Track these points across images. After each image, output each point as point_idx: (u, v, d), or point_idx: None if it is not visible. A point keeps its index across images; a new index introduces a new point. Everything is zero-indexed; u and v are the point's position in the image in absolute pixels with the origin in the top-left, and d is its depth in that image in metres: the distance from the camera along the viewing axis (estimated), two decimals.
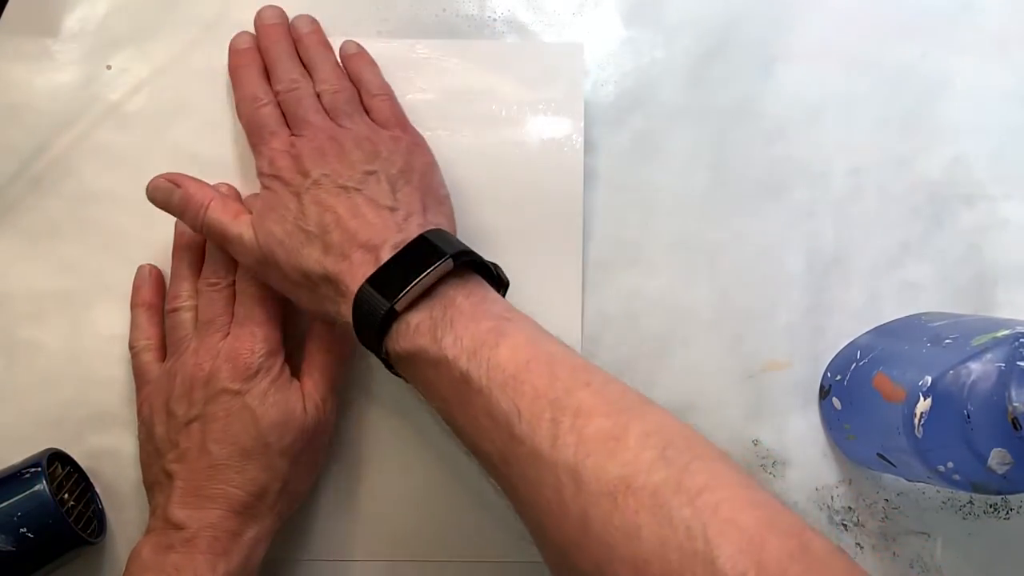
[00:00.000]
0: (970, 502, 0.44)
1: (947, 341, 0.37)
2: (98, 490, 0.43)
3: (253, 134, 0.42)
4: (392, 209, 0.37)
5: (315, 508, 0.43)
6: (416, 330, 0.34)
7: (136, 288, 0.43)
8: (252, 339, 0.39)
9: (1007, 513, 0.44)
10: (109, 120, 0.45)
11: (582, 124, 0.44)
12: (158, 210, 0.41)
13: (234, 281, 0.41)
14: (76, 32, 0.46)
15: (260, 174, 0.40)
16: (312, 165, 0.38)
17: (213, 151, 0.45)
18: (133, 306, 0.43)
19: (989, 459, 0.34)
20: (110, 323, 0.43)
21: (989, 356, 0.34)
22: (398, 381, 0.38)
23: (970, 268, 0.46)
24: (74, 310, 0.44)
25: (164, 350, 0.42)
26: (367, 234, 0.36)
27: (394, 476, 0.43)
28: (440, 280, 0.35)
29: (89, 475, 0.43)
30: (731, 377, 0.45)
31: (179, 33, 0.46)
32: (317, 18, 0.46)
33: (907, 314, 0.45)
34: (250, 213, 0.40)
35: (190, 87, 0.46)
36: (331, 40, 0.45)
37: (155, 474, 0.39)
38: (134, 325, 0.43)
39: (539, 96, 0.45)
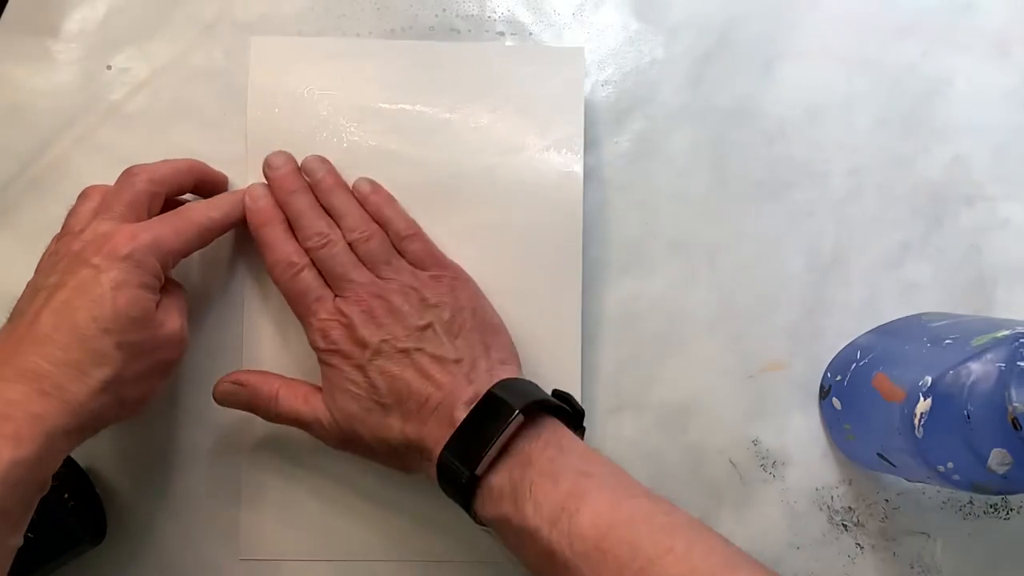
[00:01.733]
0: (970, 502, 0.44)
1: (947, 341, 0.37)
2: (98, 490, 0.43)
3: (296, 303, 0.40)
4: (456, 361, 0.38)
5: (310, 508, 0.43)
6: (499, 496, 0.35)
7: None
8: (141, 233, 0.36)
9: (1007, 513, 0.44)
10: (109, 120, 0.45)
11: (582, 127, 0.44)
12: None
13: (156, 183, 0.39)
14: (76, 32, 0.46)
15: (315, 348, 0.39)
16: (368, 333, 0.38)
17: (213, 151, 0.45)
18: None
19: (989, 459, 0.34)
20: None
21: (989, 356, 0.34)
22: None
23: (970, 268, 0.46)
24: None
25: None
26: (439, 395, 0.37)
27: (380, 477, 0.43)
28: (516, 433, 0.35)
29: (89, 475, 0.43)
30: (731, 377, 0.45)
31: (179, 33, 0.46)
32: (315, 18, 0.46)
33: (907, 314, 0.45)
34: (318, 390, 0.39)
35: (190, 87, 0.45)
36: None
37: None
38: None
39: (540, 99, 0.45)
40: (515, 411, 0.35)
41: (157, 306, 0.37)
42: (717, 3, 0.47)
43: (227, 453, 0.43)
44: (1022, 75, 0.47)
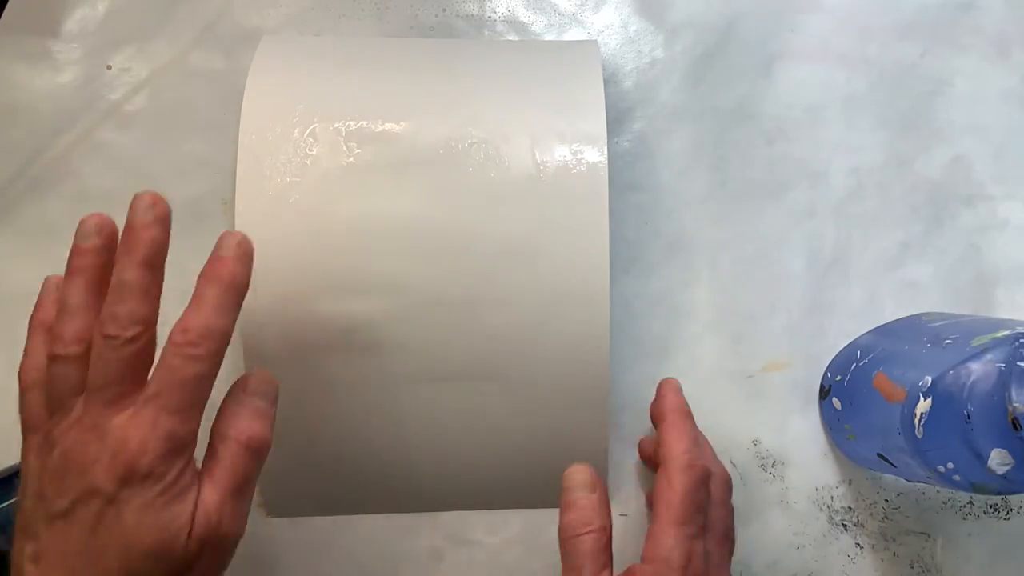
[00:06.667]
0: (970, 502, 0.44)
1: (947, 341, 0.37)
2: None
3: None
4: None
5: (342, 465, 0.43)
6: None
7: (38, 300, 0.35)
8: (151, 429, 0.30)
9: (1007, 513, 0.44)
10: (109, 120, 0.45)
11: (604, 120, 0.41)
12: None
13: (145, 334, 0.30)
14: (76, 32, 0.46)
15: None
16: None
17: (213, 151, 0.45)
18: (29, 324, 0.34)
19: (989, 459, 0.34)
20: None
21: (989, 356, 0.34)
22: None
23: (970, 268, 0.46)
24: None
25: None
26: None
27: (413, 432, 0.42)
28: None
29: None
30: (731, 377, 0.45)
31: (179, 33, 0.46)
32: (315, 18, 0.46)
33: (907, 314, 0.45)
34: None
35: (190, 87, 0.46)
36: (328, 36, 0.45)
37: (17, 555, 0.31)
38: (27, 351, 0.34)
39: (557, 96, 0.42)
40: None
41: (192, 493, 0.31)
42: (717, 3, 0.47)
43: None
44: (1022, 75, 0.48)
